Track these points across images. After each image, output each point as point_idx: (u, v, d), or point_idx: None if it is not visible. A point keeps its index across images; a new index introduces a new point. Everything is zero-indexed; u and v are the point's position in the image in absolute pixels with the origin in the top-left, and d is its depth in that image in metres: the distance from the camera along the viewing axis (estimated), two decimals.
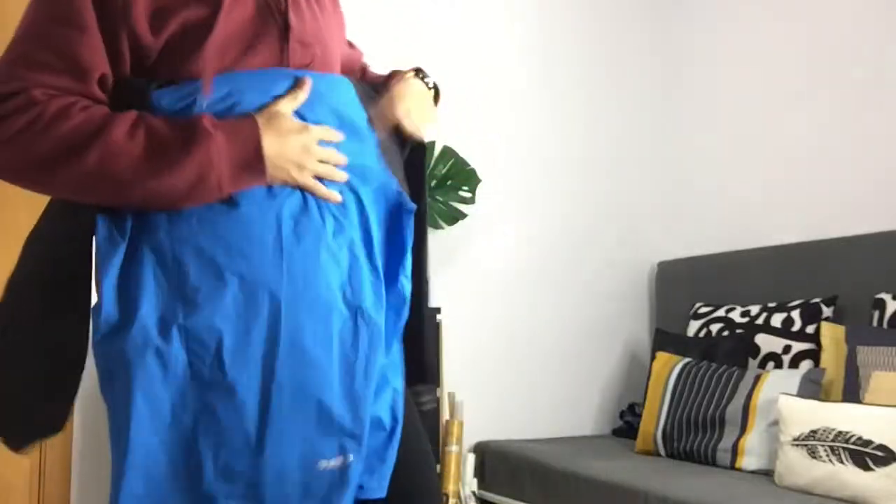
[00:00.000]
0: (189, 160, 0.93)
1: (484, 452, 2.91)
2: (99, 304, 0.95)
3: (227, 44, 1.01)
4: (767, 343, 2.69)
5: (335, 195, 1.04)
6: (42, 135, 0.91)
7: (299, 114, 1.03)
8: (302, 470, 0.96)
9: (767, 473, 2.27)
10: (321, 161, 1.03)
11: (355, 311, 1.02)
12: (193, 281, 0.95)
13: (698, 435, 2.53)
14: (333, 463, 0.98)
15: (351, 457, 1.00)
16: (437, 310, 2.74)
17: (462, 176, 2.97)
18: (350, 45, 1.31)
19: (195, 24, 0.99)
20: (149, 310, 0.94)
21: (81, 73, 0.95)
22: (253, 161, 0.97)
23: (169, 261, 0.95)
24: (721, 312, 2.97)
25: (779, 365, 2.62)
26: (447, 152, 2.96)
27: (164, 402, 0.93)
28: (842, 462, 1.98)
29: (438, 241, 3.07)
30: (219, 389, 0.93)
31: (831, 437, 2.03)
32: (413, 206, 1.13)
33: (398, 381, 1.13)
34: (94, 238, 0.99)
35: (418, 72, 1.28)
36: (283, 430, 0.95)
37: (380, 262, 1.08)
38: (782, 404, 2.20)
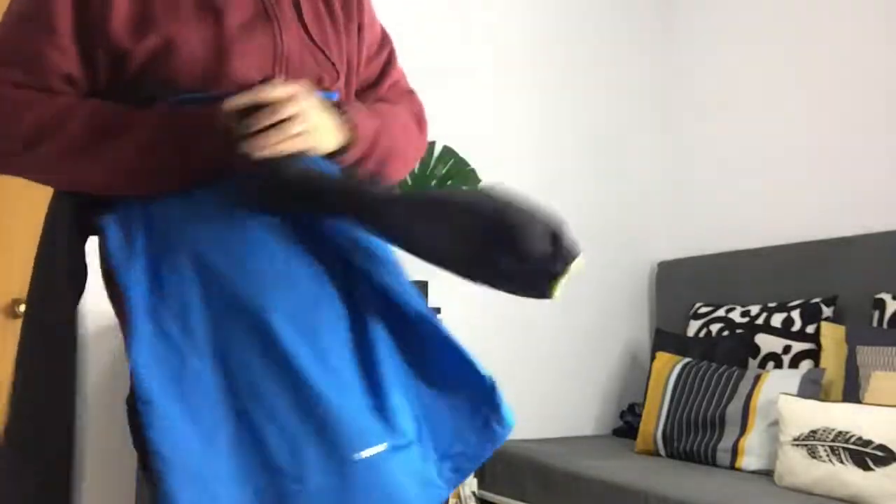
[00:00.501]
0: (129, 137, 0.95)
1: None
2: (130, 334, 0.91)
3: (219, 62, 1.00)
4: (767, 343, 2.69)
5: None
6: (3, 127, 0.94)
7: None
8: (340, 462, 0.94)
9: (767, 473, 2.27)
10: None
11: None
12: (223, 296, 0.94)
13: (698, 435, 2.53)
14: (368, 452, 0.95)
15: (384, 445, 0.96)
16: (437, 310, 2.74)
17: (462, 176, 2.97)
18: (392, 94, 1.23)
19: (182, 41, 0.98)
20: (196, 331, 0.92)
21: (42, 72, 0.96)
22: (199, 141, 0.97)
23: (201, 269, 0.94)
24: (721, 312, 2.97)
25: (779, 365, 2.62)
26: (447, 152, 2.96)
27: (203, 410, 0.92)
28: (842, 462, 1.98)
29: None
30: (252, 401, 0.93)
31: (831, 437, 2.03)
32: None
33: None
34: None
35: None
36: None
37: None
38: (782, 404, 2.20)
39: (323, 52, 1.08)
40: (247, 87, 0.97)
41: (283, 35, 1.03)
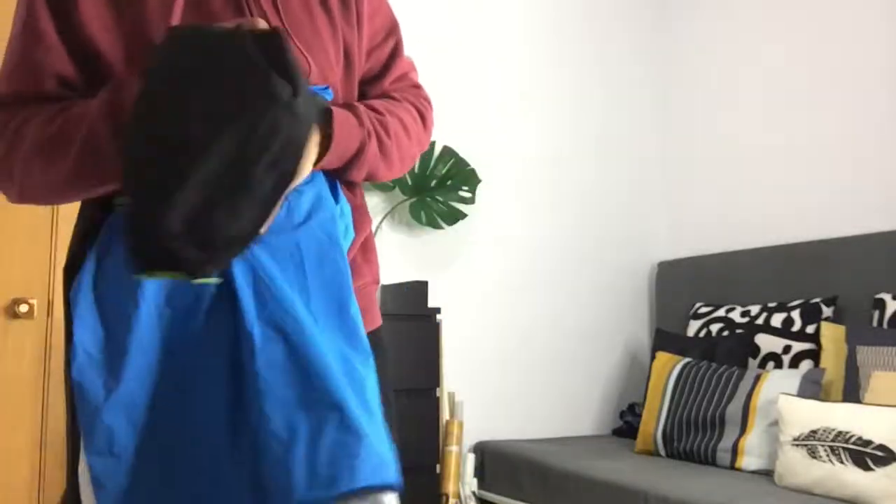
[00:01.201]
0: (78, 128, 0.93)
1: (484, 452, 2.91)
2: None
3: None
4: (767, 343, 2.69)
5: None
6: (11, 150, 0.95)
7: None
8: None
9: (767, 473, 2.27)
10: None
11: None
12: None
13: (698, 435, 2.53)
14: None
15: None
16: (437, 310, 2.73)
17: (462, 176, 2.97)
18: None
19: (153, 37, 0.94)
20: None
21: (39, 78, 0.97)
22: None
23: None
24: (721, 312, 2.97)
25: (779, 365, 2.62)
26: (447, 152, 2.96)
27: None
28: (842, 462, 1.98)
29: (438, 241, 3.08)
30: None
31: (831, 437, 2.03)
32: None
33: None
34: None
35: None
36: None
37: None
38: (782, 404, 2.20)
39: (307, 46, 1.02)
40: None
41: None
